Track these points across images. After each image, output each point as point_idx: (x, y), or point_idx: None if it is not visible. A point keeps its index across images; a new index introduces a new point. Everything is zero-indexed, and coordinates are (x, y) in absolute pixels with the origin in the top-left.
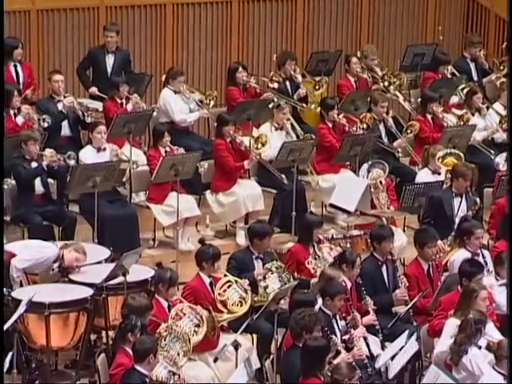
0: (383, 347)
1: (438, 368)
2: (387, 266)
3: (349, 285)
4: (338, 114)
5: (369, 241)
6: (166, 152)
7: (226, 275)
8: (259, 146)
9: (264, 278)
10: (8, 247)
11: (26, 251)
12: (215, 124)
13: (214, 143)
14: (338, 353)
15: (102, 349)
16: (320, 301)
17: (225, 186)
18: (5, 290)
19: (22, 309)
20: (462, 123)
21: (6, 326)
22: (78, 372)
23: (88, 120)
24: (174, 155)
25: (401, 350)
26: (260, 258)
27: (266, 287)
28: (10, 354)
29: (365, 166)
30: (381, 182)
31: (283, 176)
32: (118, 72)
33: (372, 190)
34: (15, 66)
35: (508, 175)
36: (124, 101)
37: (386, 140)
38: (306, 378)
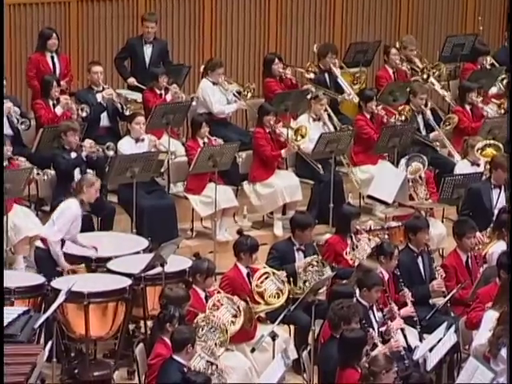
0: (421, 339)
1: (477, 360)
2: (423, 258)
3: (386, 276)
4: (377, 106)
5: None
6: (204, 143)
7: (264, 266)
8: (299, 137)
9: (304, 271)
10: (32, 233)
11: (52, 226)
12: (256, 114)
13: (252, 133)
14: (375, 345)
15: (141, 339)
16: (357, 292)
17: (263, 177)
18: (44, 279)
19: (61, 298)
20: (501, 114)
21: (45, 315)
22: (116, 361)
23: (127, 113)
24: (212, 146)
25: (439, 341)
26: (301, 249)
27: (305, 281)
28: (50, 343)
29: (403, 160)
30: (420, 177)
31: (319, 166)
32: (156, 62)
33: (410, 183)
34: (52, 57)
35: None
36: (163, 91)
37: (424, 132)
38: (343, 370)
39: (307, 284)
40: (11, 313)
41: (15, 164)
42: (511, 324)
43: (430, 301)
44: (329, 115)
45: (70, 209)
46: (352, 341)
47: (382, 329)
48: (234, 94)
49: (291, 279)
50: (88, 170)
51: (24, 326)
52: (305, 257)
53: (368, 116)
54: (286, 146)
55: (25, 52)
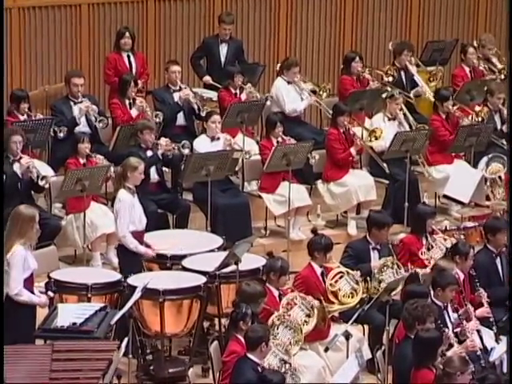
0: (497, 340)
1: None
2: (501, 258)
3: (462, 277)
4: (453, 106)
5: (483, 232)
6: (277, 142)
7: (338, 266)
8: (372, 139)
9: (380, 271)
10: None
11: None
12: (330, 113)
13: (326, 132)
14: (450, 345)
15: (215, 336)
16: (432, 292)
17: (336, 176)
18: (120, 275)
19: (137, 295)
20: None
21: (122, 312)
22: (191, 359)
23: (203, 114)
24: (285, 145)
25: None
26: (377, 249)
27: (380, 281)
28: (126, 339)
29: (484, 159)
30: (500, 177)
31: (385, 165)
32: (231, 61)
33: (488, 184)
34: (128, 56)
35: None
36: (238, 91)
37: (502, 131)
38: (417, 370)
39: (382, 284)
40: (88, 309)
41: (93, 161)
42: (511, 324)
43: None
44: (404, 114)
45: (120, 201)
46: (427, 341)
47: (457, 329)
48: (308, 93)
49: (367, 278)
50: (164, 168)
51: (101, 322)
52: (380, 256)
53: (443, 116)
54: (360, 148)
55: (103, 51)
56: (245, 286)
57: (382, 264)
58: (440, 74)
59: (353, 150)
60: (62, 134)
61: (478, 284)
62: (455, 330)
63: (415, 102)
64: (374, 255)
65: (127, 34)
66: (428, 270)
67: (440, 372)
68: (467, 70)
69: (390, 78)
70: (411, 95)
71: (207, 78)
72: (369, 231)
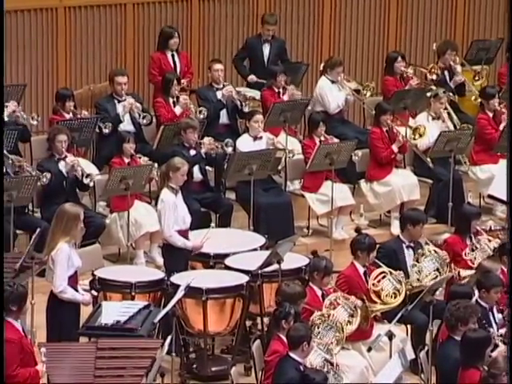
0: None
1: None
2: None
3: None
4: (499, 104)
5: None
6: (320, 141)
7: (380, 266)
8: (416, 136)
9: (417, 261)
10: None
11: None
12: (373, 112)
13: (369, 132)
14: (495, 346)
15: (257, 335)
16: (476, 293)
17: (380, 175)
18: (164, 274)
19: (180, 293)
20: None
21: (165, 310)
22: (233, 357)
23: (246, 110)
24: (329, 144)
25: None
26: (411, 246)
27: (419, 271)
28: (169, 337)
29: None
30: None
31: (429, 160)
32: (274, 61)
33: None
34: (172, 56)
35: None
36: (281, 90)
37: None
38: (465, 370)
39: (422, 274)
40: (132, 307)
41: (137, 161)
42: (511, 324)
43: None
44: (448, 114)
45: (163, 202)
46: (475, 341)
47: (502, 330)
48: (352, 92)
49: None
50: (207, 167)
51: (144, 320)
52: (414, 254)
53: (490, 114)
54: (403, 146)
55: (147, 50)
56: (284, 287)
57: (418, 254)
58: (485, 73)
59: (394, 147)
60: (107, 130)
61: None
62: (500, 331)
63: (459, 101)
64: (409, 253)
65: (176, 33)
66: (472, 271)
67: (485, 373)
68: None
69: (434, 77)
70: (452, 85)
71: (252, 77)
72: (402, 229)
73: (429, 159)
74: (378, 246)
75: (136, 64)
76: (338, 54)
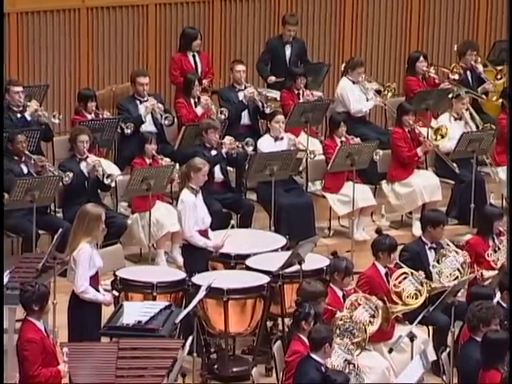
0: None
1: None
2: None
3: None
4: None
5: None
6: (341, 142)
7: (401, 266)
8: (438, 137)
9: (438, 262)
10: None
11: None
12: (394, 113)
13: (391, 132)
14: None
15: (278, 336)
16: (498, 294)
17: (401, 176)
18: (185, 274)
19: (201, 294)
20: None
21: (186, 311)
22: (254, 358)
23: (267, 111)
24: (350, 145)
25: None
26: (433, 248)
27: (440, 271)
28: (191, 338)
29: None
30: None
31: (455, 165)
32: (295, 62)
33: None
34: (194, 56)
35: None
36: (301, 91)
37: None
38: (486, 371)
39: (442, 276)
40: (153, 307)
41: (159, 162)
42: (511, 325)
43: None
44: (471, 114)
45: (182, 202)
46: (496, 342)
47: None
48: (373, 93)
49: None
50: (228, 168)
51: (165, 320)
52: (436, 255)
53: None
54: (428, 148)
55: (169, 51)
56: (305, 285)
57: (438, 255)
58: (507, 72)
59: (419, 151)
60: (128, 131)
61: None
62: None
63: (482, 102)
64: (431, 254)
65: (199, 35)
66: (495, 272)
67: (506, 374)
68: None
69: (456, 76)
70: (478, 92)
71: (272, 78)
72: (423, 230)
73: (455, 164)
74: (400, 248)
75: (158, 65)
76: (359, 55)
